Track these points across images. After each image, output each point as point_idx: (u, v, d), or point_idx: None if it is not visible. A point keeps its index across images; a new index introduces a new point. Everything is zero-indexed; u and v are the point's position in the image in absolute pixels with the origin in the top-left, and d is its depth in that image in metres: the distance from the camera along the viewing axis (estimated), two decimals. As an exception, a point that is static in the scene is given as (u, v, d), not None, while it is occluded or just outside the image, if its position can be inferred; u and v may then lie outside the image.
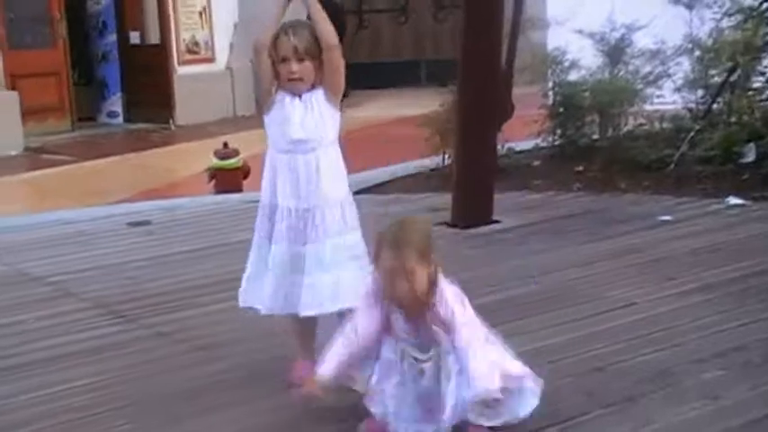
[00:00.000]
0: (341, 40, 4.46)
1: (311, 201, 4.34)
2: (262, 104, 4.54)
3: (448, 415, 3.71)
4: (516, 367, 3.85)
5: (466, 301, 3.82)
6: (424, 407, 3.81)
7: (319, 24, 4.32)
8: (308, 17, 4.42)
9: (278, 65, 4.35)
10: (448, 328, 3.73)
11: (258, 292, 4.44)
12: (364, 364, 3.90)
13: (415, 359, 3.84)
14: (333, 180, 4.43)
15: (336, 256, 4.36)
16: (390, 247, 3.66)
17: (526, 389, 3.87)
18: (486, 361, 3.68)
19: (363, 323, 3.85)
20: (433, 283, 3.70)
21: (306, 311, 4.34)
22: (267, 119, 4.46)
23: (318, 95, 4.40)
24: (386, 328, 3.85)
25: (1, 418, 4.35)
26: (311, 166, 4.37)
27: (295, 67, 4.32)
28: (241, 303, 4.55)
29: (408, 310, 3.76)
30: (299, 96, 4.37)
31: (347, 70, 4.47)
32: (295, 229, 4.34)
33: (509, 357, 3.87)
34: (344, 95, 4.53)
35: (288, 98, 4.38)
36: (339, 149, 4.51)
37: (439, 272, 3.74)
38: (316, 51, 4.32)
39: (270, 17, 4.46)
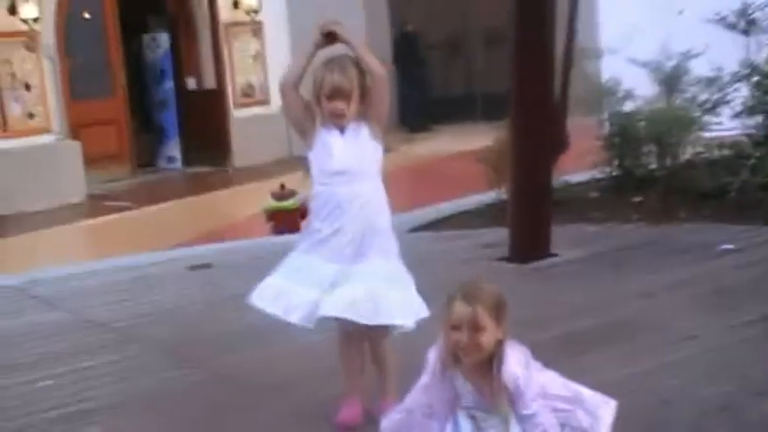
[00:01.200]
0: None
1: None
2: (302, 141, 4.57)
3: None
4: (585, 418, 3.85)
5: (535, 365, 3.80)
6: None
7: (365, 58, 4.40)
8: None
9: (322, 100, 4.40)
10: (513, 395, 3.74)
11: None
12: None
13: (478, 423, 3.87)
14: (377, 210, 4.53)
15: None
16: (463, 300, 3.65)
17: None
18: None
19: (432, 394, 3.86)
20: (500, 348, 3.69)
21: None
22: (311, 155, 4.52)
23: (363, 130, 4.46)
24: (450, 393, 3.85)
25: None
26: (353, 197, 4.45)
27: (341, 105, 4.38)
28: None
29: (471, 369, 3.76)
30: (342, 130, 4.43)
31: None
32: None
33: (580, 402, 3.90)
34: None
35: (331, 132, 4.44)
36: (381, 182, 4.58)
37: (508, 339, 3.73)
38: (360, 85, 4.39)
39: (296, 61, 4.55)
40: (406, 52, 18.02)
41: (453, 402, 3.88)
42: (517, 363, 3.74)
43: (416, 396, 3.92)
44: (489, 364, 3.72)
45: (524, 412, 3.75)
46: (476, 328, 3.63)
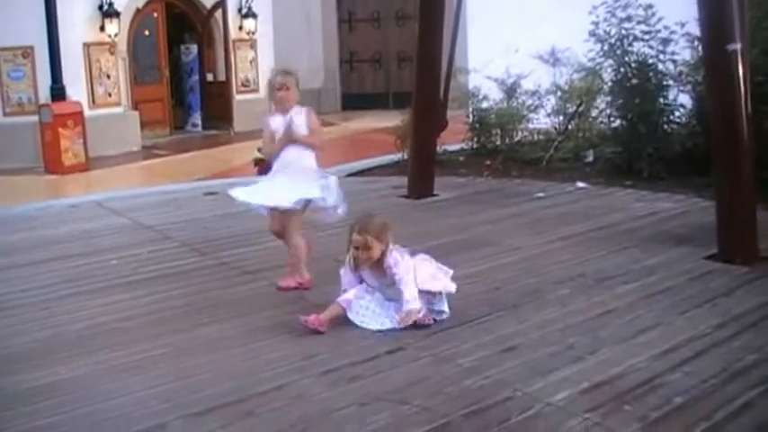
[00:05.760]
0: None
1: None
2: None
3: (393, 316, 3.92)
4: (438, 284, 3.99)
5: (406, 255, 3.96)
6: (381, 308, 3.95)
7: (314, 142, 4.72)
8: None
9: (274, 92, 4.53)
10: (392, 272, 3.89)
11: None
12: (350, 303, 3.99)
13: (374, 288, 3.99)
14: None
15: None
16: (358, 232, 3.88)
17: (444, 297, 4.03)
18: (412, 292, 3.87)
19: (348, 282, 4.03)
20: (384, 251, 3.88)
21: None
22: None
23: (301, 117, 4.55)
24: (359, 281, 4.03)
25: (130, 312, 4.38)
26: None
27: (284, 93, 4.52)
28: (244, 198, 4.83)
29: (369, 266, 3.94)
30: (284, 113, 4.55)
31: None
32: None
33: (439, 276, 4.03)
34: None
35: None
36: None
37: (389, 245, 3.90)
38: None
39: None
40: None
41: (361, 281, 4.02)
42: (395, 255, 3.91)
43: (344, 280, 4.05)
44: (378, 260, 3.89)
45: (399, 280, 3.89)
46: (366, 248, 3.85)
